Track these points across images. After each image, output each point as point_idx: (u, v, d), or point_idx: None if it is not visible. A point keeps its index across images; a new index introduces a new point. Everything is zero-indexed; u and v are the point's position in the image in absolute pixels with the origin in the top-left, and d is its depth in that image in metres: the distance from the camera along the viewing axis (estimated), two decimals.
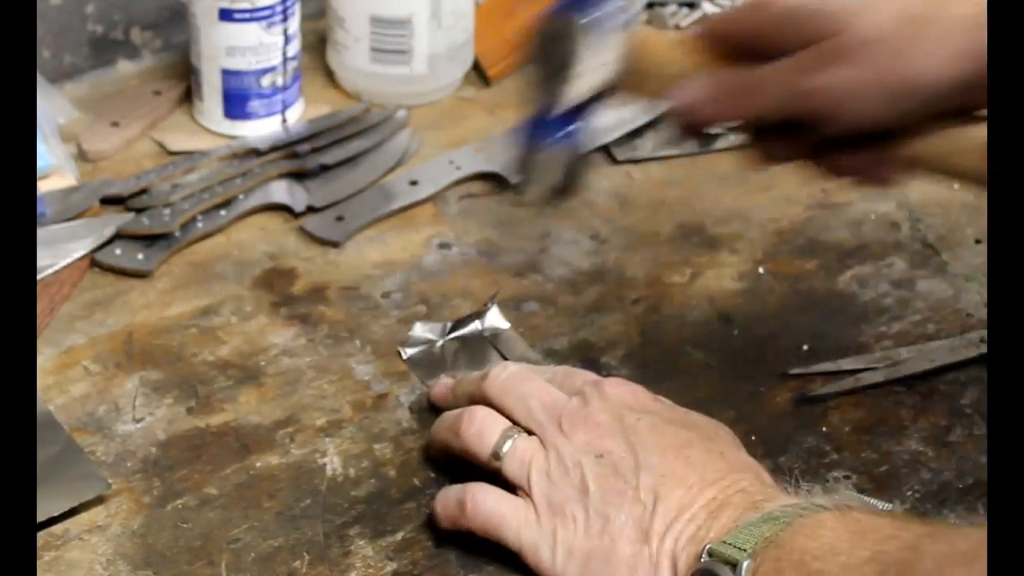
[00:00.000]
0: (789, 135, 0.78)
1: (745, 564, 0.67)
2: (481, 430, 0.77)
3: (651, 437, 0.74)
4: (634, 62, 0.80)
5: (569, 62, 0.79)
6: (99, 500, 0.78)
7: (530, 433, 0.76)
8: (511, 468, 0.75)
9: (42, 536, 0.76)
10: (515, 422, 0.77)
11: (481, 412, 0.78)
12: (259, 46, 1.03)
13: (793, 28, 0.75)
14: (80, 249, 0.94)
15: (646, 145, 1.05)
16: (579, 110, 0.81)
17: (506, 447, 0.76)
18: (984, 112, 0.74)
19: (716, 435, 0.77)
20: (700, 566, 0.69)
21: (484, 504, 0.75)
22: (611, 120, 1.09)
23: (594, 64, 0.79)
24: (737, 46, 0.78)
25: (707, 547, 0.69)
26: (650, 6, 1.23)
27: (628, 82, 0.81)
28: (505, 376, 0.79)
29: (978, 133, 0.75)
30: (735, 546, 0.68)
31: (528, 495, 0.74)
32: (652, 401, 0.78)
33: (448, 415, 0.80)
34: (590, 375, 0.80)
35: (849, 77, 0.73)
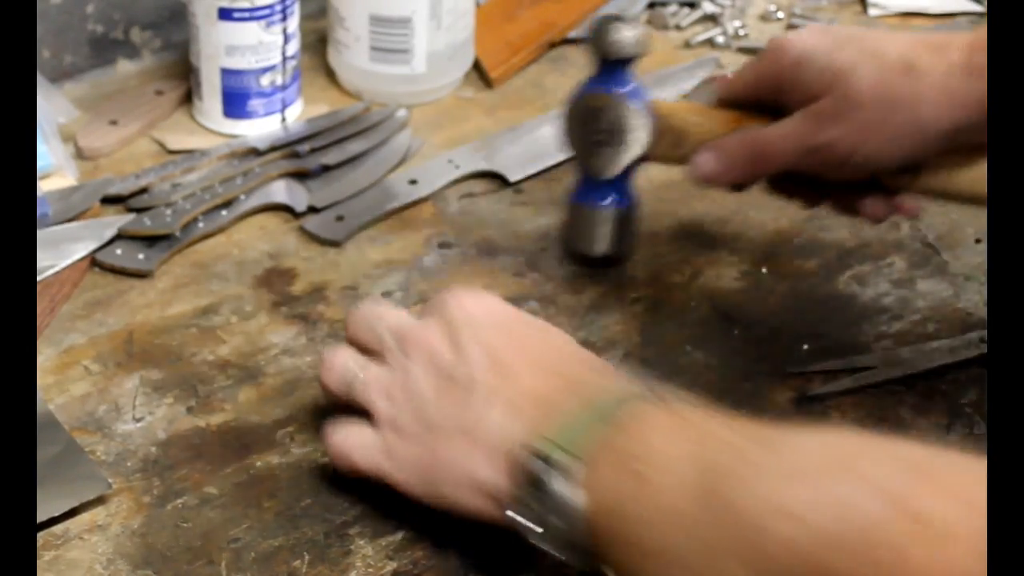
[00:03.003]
0: (805, 184, 0.86)
1: (566, 462, 0.67)
2: (334, 368, 0.79)
3: (483, 340, 0.75)
4: (662, 131, 0.89)
5: (615, 132, 0.89)
6: (99, 500, 0.78)
7: (384, 362, 0.78)
8: (362, 396, 0.77)
9: (42, 536, 0.76)
10: (371, 354, 0.78)
11: (330, 352, 0.80)
12: (258, 45, 1.03)
13: (803, 83, 0.82)
14: (81, 249, 0.94)
15: None
16: (622, 176, 0.91)
17: (357, 378, 0.78)
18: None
19: (552, 337, 0.77)
20: (528, 467, 0.69)
21: (332, 442, 0.77)
22: None
23: (633, 135, 0.89)
24: (753, 102, 0.86)
25: (536, 446, 0.69)
26: (651, 6, 1.23)
27: (658, 150, 0.90)
28: (359, 311, 0.81)
29: (983, 162, 0.81)
30: (561, 447, 0.68)
31: (376, 420, 0.76)
32: (495, 310, 0.78)
33: None
34: (445, 294, 0.79)
35: (851, 131, 0.80)
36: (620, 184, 0.92)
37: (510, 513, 0.70)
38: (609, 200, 0.92)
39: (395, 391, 0.76)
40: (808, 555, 0.53)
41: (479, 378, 0.74)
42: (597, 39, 0.89)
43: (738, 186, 0.89)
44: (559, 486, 0.67)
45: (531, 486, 0.69)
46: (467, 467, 0.72)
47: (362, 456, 0.76)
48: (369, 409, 0.77)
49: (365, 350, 0.79)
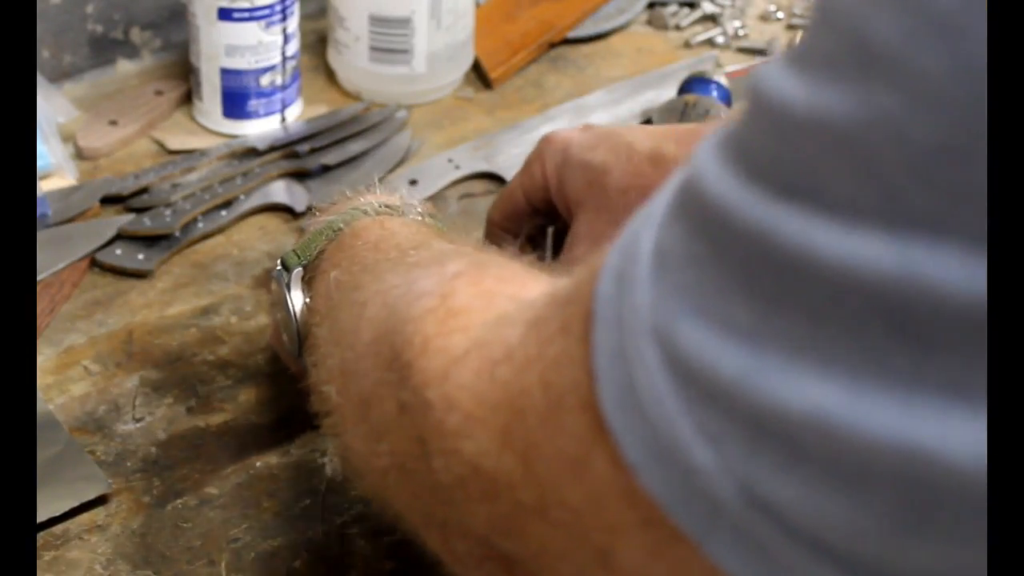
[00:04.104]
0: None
1: (295, 271, 0.74)
2: None
3: None
4: None
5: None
6: (99, 500, 0.78)
7: None
8: None
9: (42, 536, 0.76)
10: None
11: None
12: (258, 45, 1.03)
13: (568, 181, 0.83)
14: (81, 249, 0.94)
15: None
16: None
17: None
18: None
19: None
20: (271, 270, 0.77)
21: None
22: (609, 120, 1.09)
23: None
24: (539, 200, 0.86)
25: (283, 254, 0.76)
26: (651, 6, 1.23)
27: None
28: None
29: None
30: (296, 253, 0.75)
31: None
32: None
33: None
34: None
35: (608, 224, 0.81)
36: None
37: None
38: None
39: None
40: (380, 326, 0.60)
41: None
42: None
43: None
44: (281, 283, 0.75)
45: (273, 283, 0.77)
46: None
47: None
48: None
49: None
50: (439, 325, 0.56)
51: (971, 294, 0.39)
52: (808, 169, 0.41)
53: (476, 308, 0.56)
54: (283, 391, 0.86)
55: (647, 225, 0.47)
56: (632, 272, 0.47)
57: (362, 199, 0.76)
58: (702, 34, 1.20)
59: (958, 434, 0.39)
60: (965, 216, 0.39)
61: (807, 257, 0.41)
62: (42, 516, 0.76)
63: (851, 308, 0.40)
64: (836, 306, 0.41)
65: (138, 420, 0.84)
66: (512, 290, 0.57)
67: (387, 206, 0.75)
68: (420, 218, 0.75)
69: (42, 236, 0.94)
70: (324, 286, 0.71)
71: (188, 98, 1.08)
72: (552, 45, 1.18)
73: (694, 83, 1.05)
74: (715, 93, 1.04)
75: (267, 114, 1.06)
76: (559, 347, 0.50)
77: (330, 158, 1.03)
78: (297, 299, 0.74)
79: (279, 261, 0.76)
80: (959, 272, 0.39)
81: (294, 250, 0.75)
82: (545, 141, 0.84)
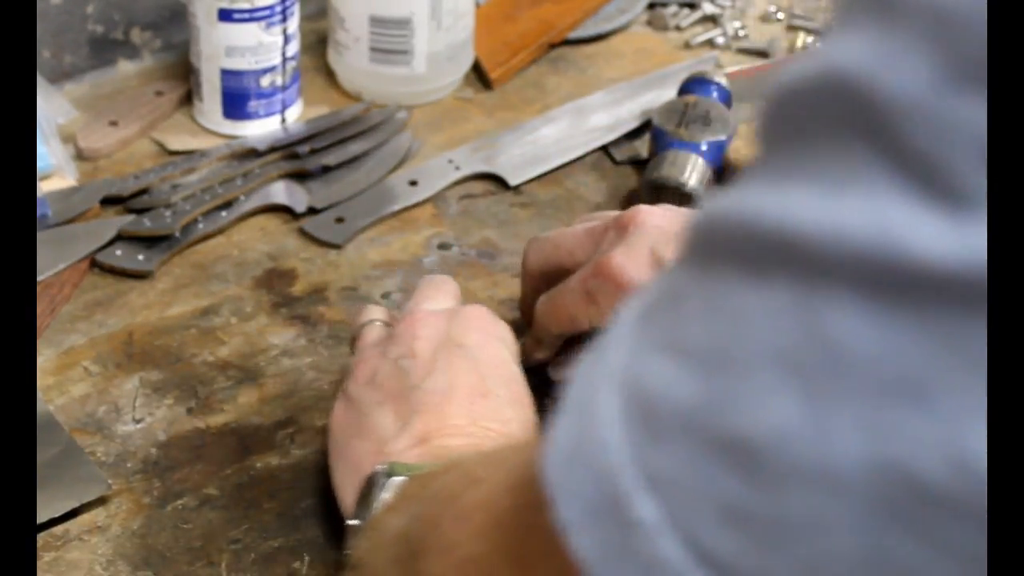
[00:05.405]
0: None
1: (393, 479, 0.67)
2: (358, 316, 0.82)
3: (454, 366, 0.74)
4: None
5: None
6: (99, 501, 0.78)
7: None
8: (355, 349, 0.79)
9: (42, 536, 0.76)
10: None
11: (368, 304, 0.83)
12: (258, 46, 1.03)
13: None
14: (81, 250, 0.94)
15: (645, 145, 1.05)
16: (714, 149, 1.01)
17: (361, 332, 0.80)
18: None
19: (516, 409, 0.74)
20: (372, 477, 0.69)
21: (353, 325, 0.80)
22: (609, 121, 1.09)
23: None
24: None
25: (388, 463, 0.69)
26: (651, 6, 1.23)
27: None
28: (427, 280, 0.82)
29: None
30: (410, 467, 0.68)
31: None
32: (492, 352, 0.76)
33: None
34: (472, 305, 0.79)
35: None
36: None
37: (348, 522, 0.70)
38: (704, 148, 1.00)
39: (369, 355, 0.77)
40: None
41: (421, 402, 0.72)
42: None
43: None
44: (382, 495, 0.67)
45: (364, 494, 0.69)
46: (362, 468, 0.71)
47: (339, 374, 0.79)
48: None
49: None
50: None
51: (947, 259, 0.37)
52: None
53: None
54: (283, 391, 0.86)
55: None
56: (605, 345, 0.45)
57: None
58: (702, 35, 1.20)
59: (928, 449, 0.37)
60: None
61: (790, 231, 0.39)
62: (42, 517, 0.76)
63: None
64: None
65: (138, 421, 0.84)
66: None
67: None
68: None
69: (42, 237, 0.94)
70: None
71: (188, 99, 1.08)
72: (552, 46, 1.18)
73: (694, 84, 1.05)
74: (715, 94, 1.04)
75: (267, 115, 1.06)
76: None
77: (330, 159, 1.03)
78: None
79: (383, 463, 0.69)
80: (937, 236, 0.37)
81: (404, 463, 0.69)
82: (636, 227, 0.79)
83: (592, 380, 0.44)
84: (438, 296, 0.80)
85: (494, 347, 0.76)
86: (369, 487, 0.68)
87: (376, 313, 0.81)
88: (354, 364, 0.77)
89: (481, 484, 0.56)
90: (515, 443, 0.68)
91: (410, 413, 0.72)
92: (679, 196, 0.97)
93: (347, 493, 0.72)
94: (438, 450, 0.70)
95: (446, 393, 0.73)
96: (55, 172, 1.00)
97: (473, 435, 0.71)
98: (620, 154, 1.07)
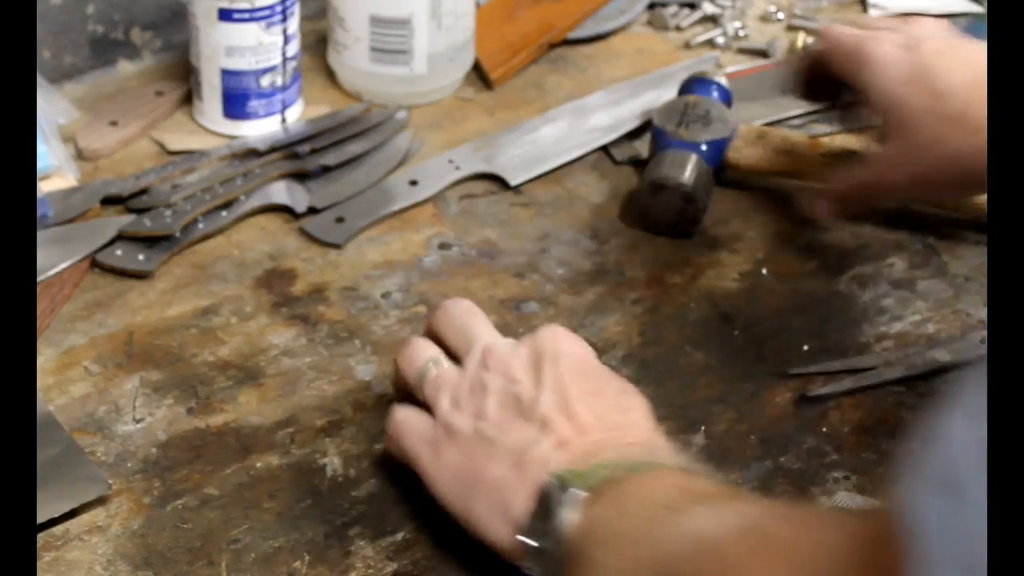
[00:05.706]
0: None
1: (574, 491, 0.69)
2: (412, 357, 0.80)
3: (562, 378, 0.75)
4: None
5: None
6: (99, 501, 0.78)
7: (461, 364, 0.79)
8: (428, 391, 0.78)
9: (42, 536, 0.76)
10: (452, 354, 0.79)
11: (415, 340, 0.81)
12: (258, 46, 1.03)
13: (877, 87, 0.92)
14: (81, 250, 0.94)
15: (645, 146, 1.05)
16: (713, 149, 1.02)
17: (430, 372, 0.78)
18: None
19: (629, 398, 0.77)
20: (546, 490, 0.70)
21: (395, 418, 0.78)
22: (609, 121, 1.09)
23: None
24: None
25: (560, 474, 0.70)
26: (651, 7, 1.23)
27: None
28: (451, 306, 0.82)
29: None
30: (579, 475, 0.70)
31: (436, 416, 0.77)
32: (582, 358, 0.78)
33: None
34: (545, 328, 0.79)
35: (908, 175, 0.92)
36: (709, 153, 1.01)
37: (519, 537, 0.70)
38: (704, 148, 1.00)
39: (462, 396, 0.76)
40: None
41: (545, 413, 0.74)
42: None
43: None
44: (564, 511, 0.69)
45: (542, 508, 0.70)
46: (508, 495, 0.72)
47: (412, 443, 0.77)
48: (431, 404, 0.77)
49: (443, 344, 0.80)
50: None
51: None
52: None
53: None
54: (283, 391, 0.86)
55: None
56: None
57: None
58: (702, 35, 1.20)
59: None
60: None
61: None
62: (42, 517, 0.76)
63: None
64: None
65: (138, 421, 0.84)
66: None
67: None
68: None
69: (43, 237, 0.94)
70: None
71: (188, 99, 1.08)
72: (552, 46, 1.18)
73: (694, 84, 1.05)
74: (715, 94, 1.04)
75: (267, 115, 1.06)
76: None
77: (330, 159, 1.03)
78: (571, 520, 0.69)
79: (553, 476, 0.71)
80: None
81: (575, 471, 0.71)
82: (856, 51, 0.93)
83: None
84: (478, 322, 0.81)
85: (582, 349, 0.78)
86: (545, 501, 0.70)
87: (431, 351, 0.80)
88: (443, 403, 0.77)
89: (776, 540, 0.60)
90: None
91: (540, 426, 0.74)
92: (679, 196, 0.97)
93: (495, 524, 0.72)
94: (581, 449, 0.72)
95: (564, 402, 0.74)
96: (55, 172, 1.00)
97: (605, 429, 0.73)
98: (620, 154, 1.07)
